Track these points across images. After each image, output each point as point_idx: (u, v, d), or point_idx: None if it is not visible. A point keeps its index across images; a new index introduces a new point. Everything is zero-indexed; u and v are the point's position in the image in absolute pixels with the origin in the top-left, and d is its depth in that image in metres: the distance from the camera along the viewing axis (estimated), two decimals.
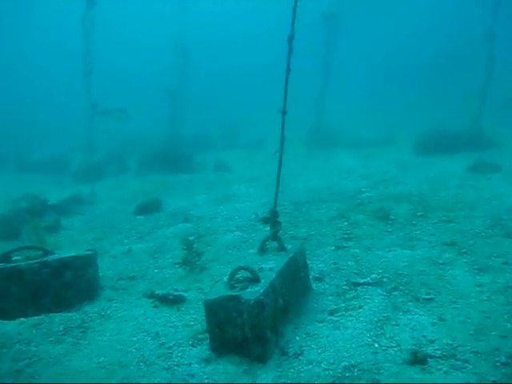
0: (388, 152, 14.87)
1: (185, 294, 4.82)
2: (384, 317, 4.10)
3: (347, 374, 3.33)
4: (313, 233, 6.76)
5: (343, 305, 4.46)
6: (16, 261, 4.73)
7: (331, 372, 3.37)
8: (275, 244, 4.66)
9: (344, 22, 19.61)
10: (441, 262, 5.30)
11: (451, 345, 3.62)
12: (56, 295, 4.68)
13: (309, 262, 5.53)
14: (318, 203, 8.46)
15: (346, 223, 7.05)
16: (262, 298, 3.63)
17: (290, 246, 4.70)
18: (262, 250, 4.62)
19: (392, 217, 7.08)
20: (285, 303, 4.07)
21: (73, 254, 4.91)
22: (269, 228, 4.72)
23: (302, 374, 3.41)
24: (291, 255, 4.47)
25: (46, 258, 4.74)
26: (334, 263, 5.51)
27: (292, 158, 15.10)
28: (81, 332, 4.00)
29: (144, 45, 43.67)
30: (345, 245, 6.14)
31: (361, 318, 4.09)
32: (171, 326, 4.20)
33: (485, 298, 4.36)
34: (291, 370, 3.50)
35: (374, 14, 33.89)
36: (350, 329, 3.94)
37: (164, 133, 17.35)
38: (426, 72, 31.28)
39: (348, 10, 20.96)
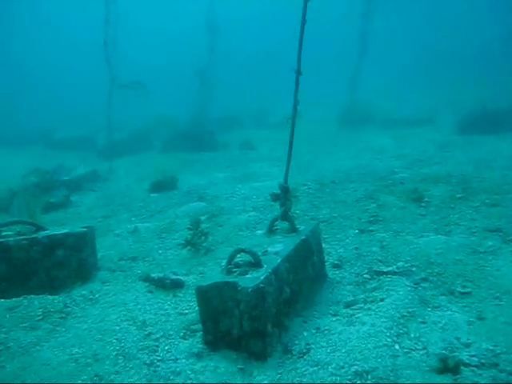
0: (426, 131, 13.93)
1: (184, 279, 4.33)
2: (409, 312, 3.45)
3: (358, 382, 2.72)
4: (335, 215, 6.12)
5: (362, 296, 3.86)
6: (5, 236, 4.37)
7: (338, 378, 2.77)
8: (286, 224, 4.11)
9: None
10: (482, 250, 4.57)
11: (492, 351, 2.94)
12: (46, 275, 4.31)
13: (327, 246, 4.95)
14: (345, 183, 7.79)
15: (373, 205, 6.37)
16: (262, 285, 3.12)
17: (302, 227, 4.15)
18: (271, 230, 4.14)
19: (426, 199, 6.35)
20: (292, 292, 3.54)
21: (65, 230, 4.51)
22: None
23: (304, 379, 2.84)
24: (303, 237, 3.94)
25: (35, 235, 4.36)
26: (356, 248, 4.90)
27: (321, 136, 14.39)
28: (60, 318, 3.55)
29: (175, 27, 43.33)
30: (370, 228, 5.51)
31: (381, 313, 3.46)
32: (163, 314, 3.71)
33: None
34: (292, 373, 2.94)
35: None
36: (367, 325, 3.32)
37: (192, 114, 17.04)
38: (469, 50, 29.25)
39: None
